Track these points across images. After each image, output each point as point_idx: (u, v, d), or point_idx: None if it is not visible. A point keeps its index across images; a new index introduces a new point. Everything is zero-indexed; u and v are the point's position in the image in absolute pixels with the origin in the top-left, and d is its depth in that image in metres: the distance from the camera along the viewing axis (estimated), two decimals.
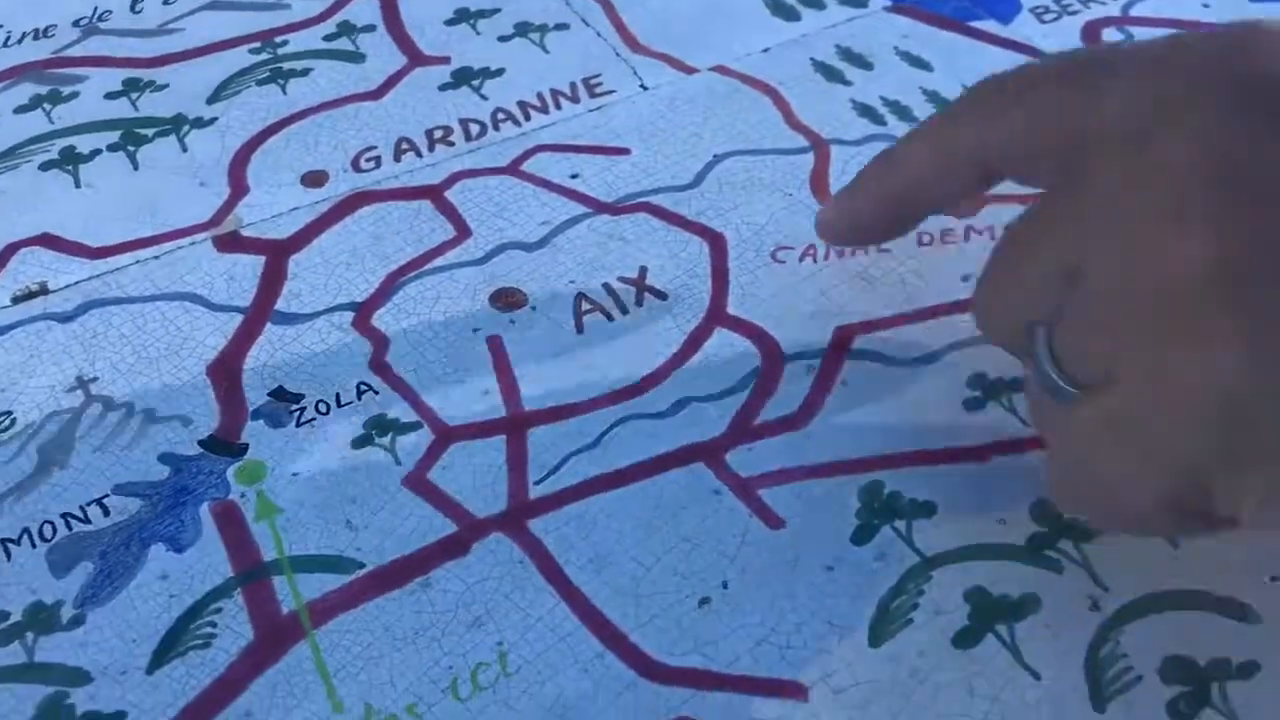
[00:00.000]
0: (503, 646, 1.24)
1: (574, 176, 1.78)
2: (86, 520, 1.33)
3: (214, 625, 1.22)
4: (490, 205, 1.74)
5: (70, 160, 1.83)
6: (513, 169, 1.79)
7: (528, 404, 1.42)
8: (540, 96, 1.89)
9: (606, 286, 1.55)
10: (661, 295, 1.55)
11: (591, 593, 1.26)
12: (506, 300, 1.56)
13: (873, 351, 1.50)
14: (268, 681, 1.20)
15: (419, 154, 1.79)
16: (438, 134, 1.83)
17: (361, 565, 1.27)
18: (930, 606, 1.23)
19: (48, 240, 1.70)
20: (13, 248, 1.68)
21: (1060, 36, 1.85)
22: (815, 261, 1.62)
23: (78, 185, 1.79)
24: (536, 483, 1.35)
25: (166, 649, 1.21)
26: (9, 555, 1.29)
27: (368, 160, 1.81)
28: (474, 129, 1.85)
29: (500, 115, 1.85)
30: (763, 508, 1.31)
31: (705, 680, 1.18)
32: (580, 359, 1.51)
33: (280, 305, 1.56)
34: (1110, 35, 1.90)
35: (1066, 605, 1.20)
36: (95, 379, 1.49)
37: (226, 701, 1.19)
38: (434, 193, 1.75)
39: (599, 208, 1.70)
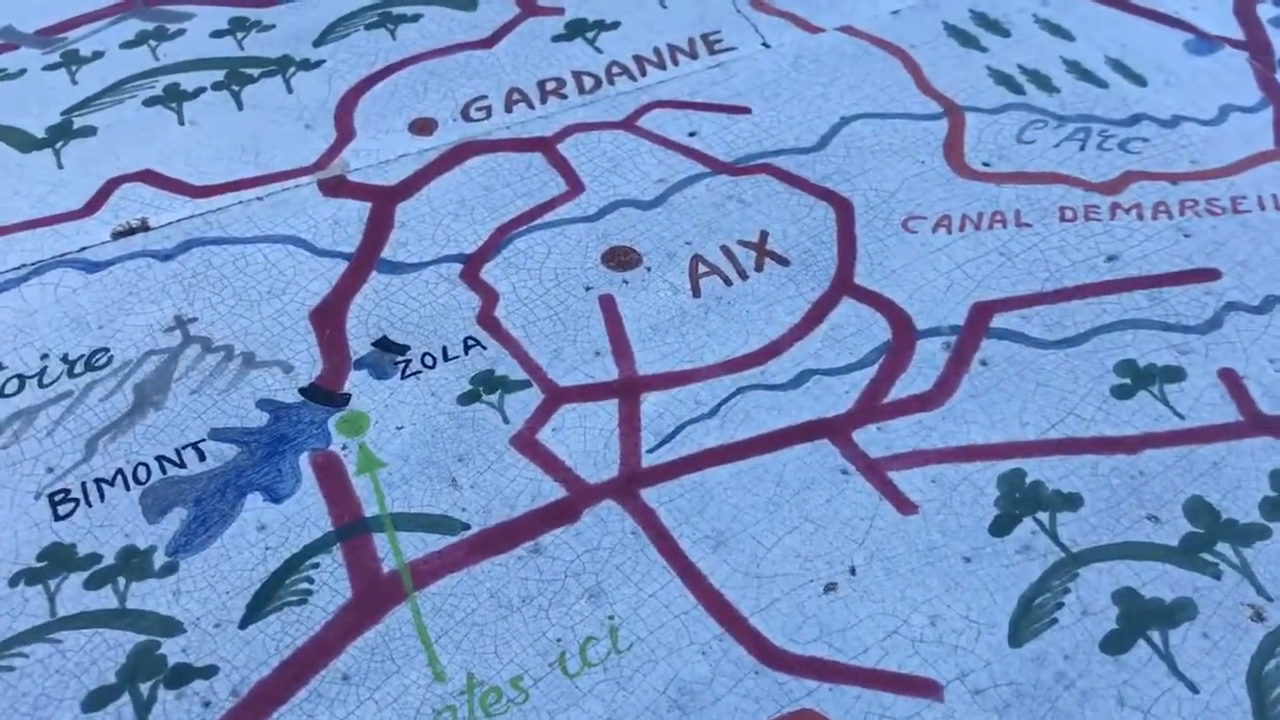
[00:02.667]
0: (614, 621, 1.14)
1: (692, 134, 1.68)
2: (181, 464, 1.25)
3: (311, 581, 1.15)
4: (604, 160, 1.64)
5: (174, 97, 1.75)
6: (628, 124, 1.69)
7: (641, 368, 1.32)
8: (657, 51, 1.79)
9: (725, 249, 1.46)
10: (783, 261, 1.45)
11: (709, 570, 1.17)
12: (619, 259, 1.46)
13: (1013, 331, 1.39)
14: (366, 645, 1.12)
15: (530, 105, 1.70)
16: (550, 85, 1.74)
17: (467, 526, 1.19)
18: (1076, 606, 1.12)
19: (149, 177, 1.63)
20: (114, 183, 1.62)
21: (1214, 11, 1.71)
22: (950, 233, 1.51)
23: (181, 122, 1.71)
24: (650, 451, 1.26)
25: (262, 603, 1.13)
26: (103, 496, 1.22)
27: (478, 110, 1.72)
28: (588, 82, 1.76)
29: (615, 69, 1.75)
30: (893, 491, 1.21)
31: (832, 672, 1.09)
32: (696, 324, 1.41)
33: (386, 253, 1.48)
34: (1267, 11, 1.76)
35: (1226, 614, 1.09)
36: (194, 319, 1.42)
37: (323, 663, 1.11)
38: (546, 145, 1.66)
39: (718, 167, 1.60)
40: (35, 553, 1.15)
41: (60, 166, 1.58)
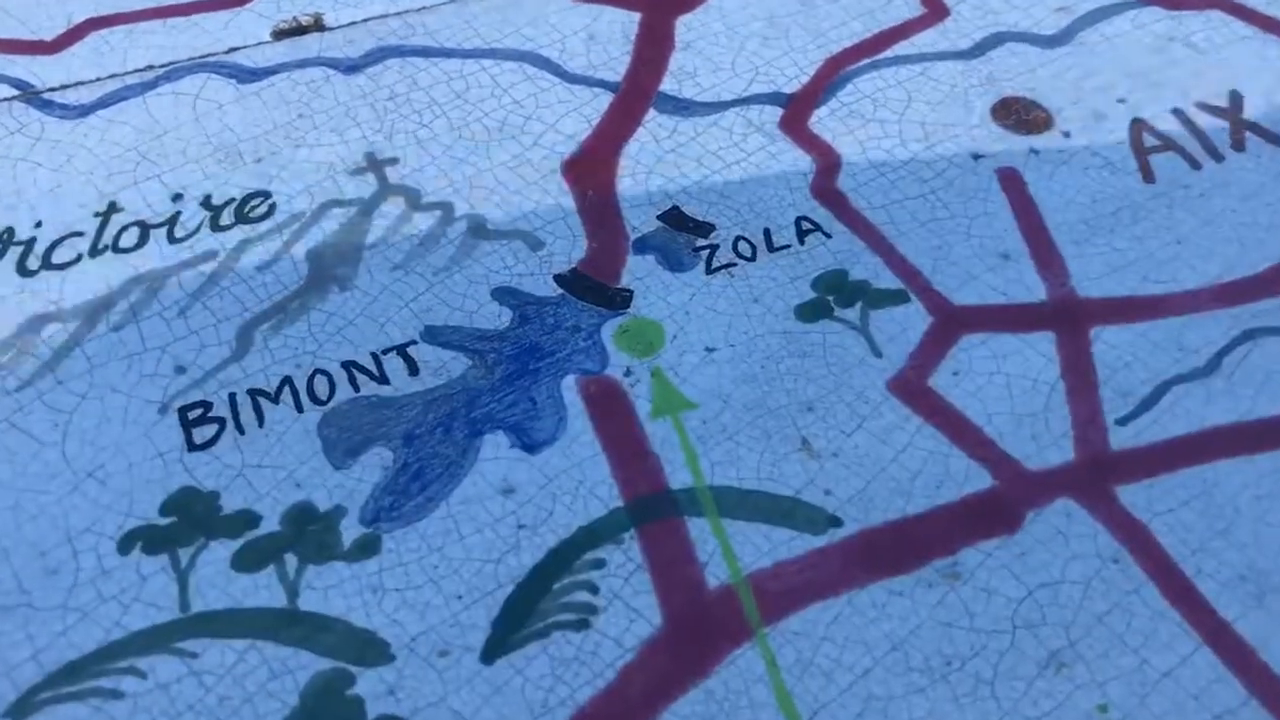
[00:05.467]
0: (1108, 712, 0.68)
1: None
2: (382, 378, 0.80)
3: (594, 590, 0.69)
4: None
5: None
6: None
7: (1080, 285, 0.84)
8: None
9: (1179, 115, 0.95)
10: (1275, 139, 0.94)
11: (1257, 638, 0.70)
12: (1021, 117, 0.95)
13: None
14: (694, 712, 0.66)
15: None
16: None
17: (837, 522, 0.73)
18: None
19: None
20: None
21: None
22: None
23: None
24: (1120, 421, 0.78)
25: (516, 621, 0.68)
26: (261, 418, 0.78)
27: None
28: None
29: None
30: None
31: None
32: (1157, 223, 0.91)
33: (668, 86, 0.99)
34: None
35: None
36: (394, 160, 0.94)
37: None
38: None
39: None
40: (159, 501, 0.72)
41: None
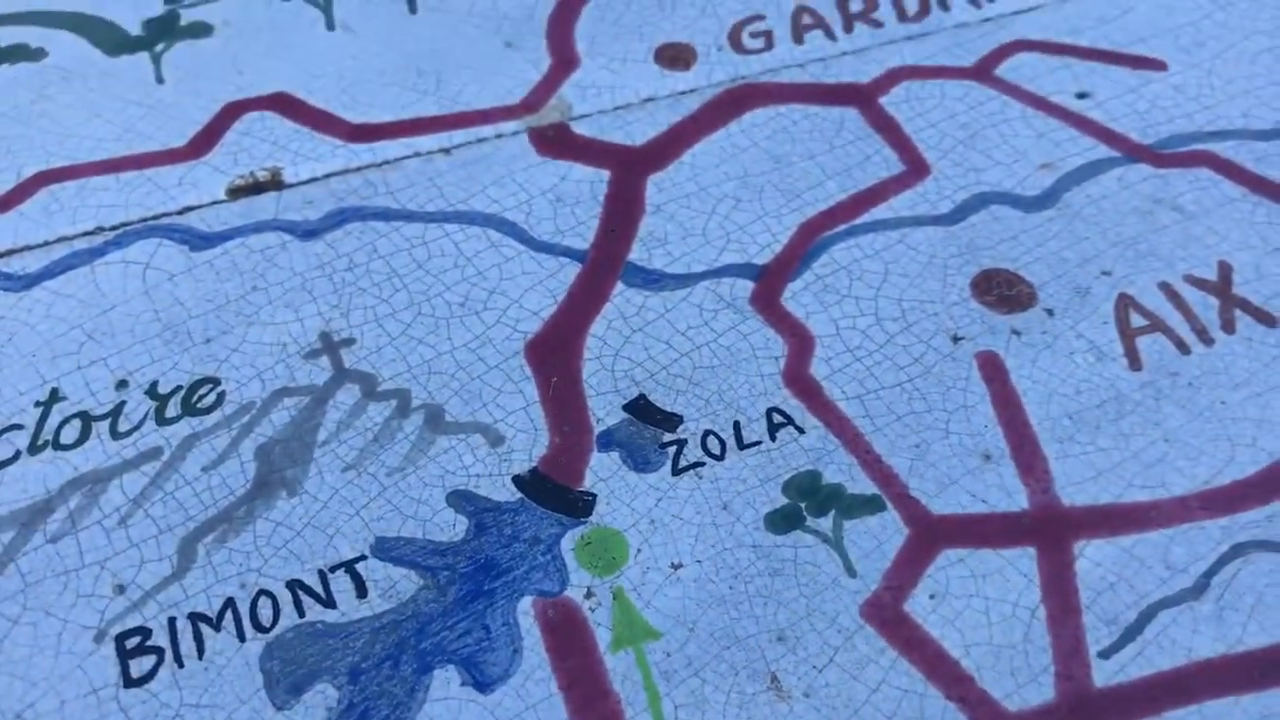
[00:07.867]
0: None
1: (1082, 96, 1.12)
2: (328, 601, 0.76)
3: None
4: (954, 127, 1.08)
5: None
6: (981, 72, 1.13)
7: (1065, 491, 0.80)
8: None
9: (1167, 289, 0.91)
10: (1267, 318, 0.90)
11: None
12: (1002, 293, 0.92)
13: None
14: None
15: (831, 34, 1.14)
16: (857, 6, 1.17)
17: None
18: None
19: (284, 104, 1.11)
20: (234, 109, 1.10)
21: None
22: None
23: (330, 27, 1.18)
24: (1104, 654, 0.74)
25: None
26: (201, 648, 0.74)
27: (754, 35, 1.16)
28: (910, 4, 1.18)
29: None
30: None
31: None
32: (1144, 417, 0.86)
33: (637, 255, 0.95)
34: None
35: None
36: (350, 340, 0.90)
37: None
38: (862, 97, 1.11)
39: (1132, 151, 1.04)
40: None
41: (160, 80, 1.07)
